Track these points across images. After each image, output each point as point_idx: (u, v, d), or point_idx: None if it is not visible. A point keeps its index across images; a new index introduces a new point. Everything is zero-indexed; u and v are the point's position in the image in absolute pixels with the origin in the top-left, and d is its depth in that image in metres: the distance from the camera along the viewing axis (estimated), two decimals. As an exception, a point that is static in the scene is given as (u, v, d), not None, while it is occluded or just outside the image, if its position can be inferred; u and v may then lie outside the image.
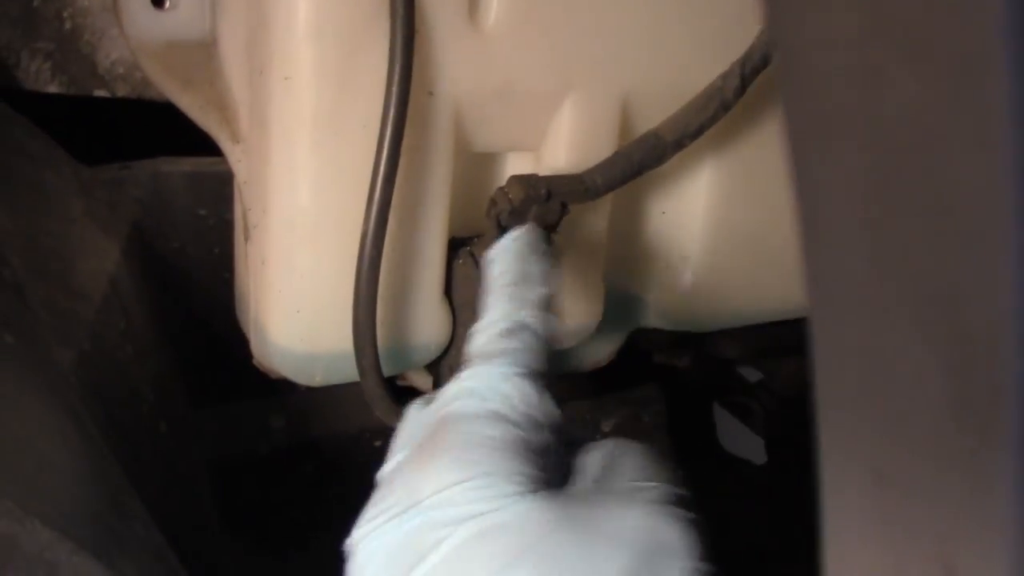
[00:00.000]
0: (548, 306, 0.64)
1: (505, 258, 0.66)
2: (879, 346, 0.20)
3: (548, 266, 0.66)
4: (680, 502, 0.57)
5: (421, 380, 0.84)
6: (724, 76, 0.74)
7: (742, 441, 1.38)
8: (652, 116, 0.76)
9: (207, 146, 0.86)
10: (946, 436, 0.18)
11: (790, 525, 1.23)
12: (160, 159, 0.86)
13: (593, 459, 0.61)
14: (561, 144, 0.75)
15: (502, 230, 0.72)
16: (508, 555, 0.51)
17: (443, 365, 0.78)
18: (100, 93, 0.83)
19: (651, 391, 1.21)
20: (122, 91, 0.83)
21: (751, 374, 1.52)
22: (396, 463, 0.59)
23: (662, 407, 1.20)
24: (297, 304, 0.72)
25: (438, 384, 0.81)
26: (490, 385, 0.57)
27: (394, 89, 0.64)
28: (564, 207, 0.72)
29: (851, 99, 0.20)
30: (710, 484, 1.24)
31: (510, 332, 0.61)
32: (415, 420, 0.62)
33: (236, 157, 0.76)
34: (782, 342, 1.31)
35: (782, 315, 0.94)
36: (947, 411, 0.18)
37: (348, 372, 0.73)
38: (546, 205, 0.71)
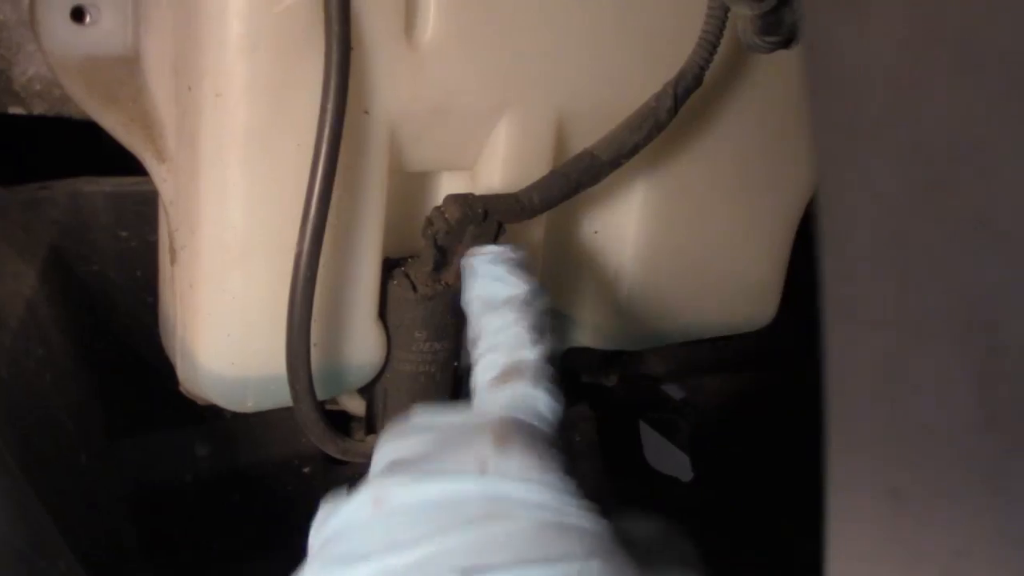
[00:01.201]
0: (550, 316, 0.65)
1: (506, 274, 0.66)
2: (903, 359, 0.20)
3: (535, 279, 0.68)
4: None
5: (354, 404, 0.82)
6: (657, 96, 0.74)
7: (667, 458, 1.39)
8: (586, 135, 0.76)
9: (128, 166, 0.83)
10: (972, 450, 0.18)
11: (718, 541, 1.24)
12: (80, 179, 0.83)
13: (643, 528, 0.60)
14: (496, 163, 0.74)
15: (439, 250, 0.71)
16: (578, 551, 0.48)
17: (377, 387, 0.77)
18: (15, 110, 0.80)
19: (582, 411, 1.20)
20: (39, 108, 0.80)
21: (675, 392, 1.54)
22: (430, 446, 0.55)
23: (593, 427, 1.20)
24: (227, 327, 0.70)
25: (372, 407, 0.79)
26: (533, 405, 0.58)
27: (329, 106, 0.63)
28: (500, 226, 0.72)
29: (891, 108, 0.20)
30: (638, 501, 1.25)
31: (532, 348, 0.61)
32: (426, 424, 0.58)
33: (162, 176, 0.74)
34: (706, 360, 1.33)
35: (713, 332, 0.95)
36: (975, 425, 0.18)
37: (281, 396, 0.71)
38: (483, 224, 0.71)
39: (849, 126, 0.22)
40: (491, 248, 0.70)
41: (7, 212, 0.79)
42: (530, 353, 0.61)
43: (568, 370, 1.27)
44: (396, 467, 0.54)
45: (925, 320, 0.20)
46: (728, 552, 1.22)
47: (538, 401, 0.58)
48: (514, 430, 0.55)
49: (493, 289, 0.66)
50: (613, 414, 1.30)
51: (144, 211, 0.83)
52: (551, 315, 0.68)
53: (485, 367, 0.62)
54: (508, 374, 0.60)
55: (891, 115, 0.20)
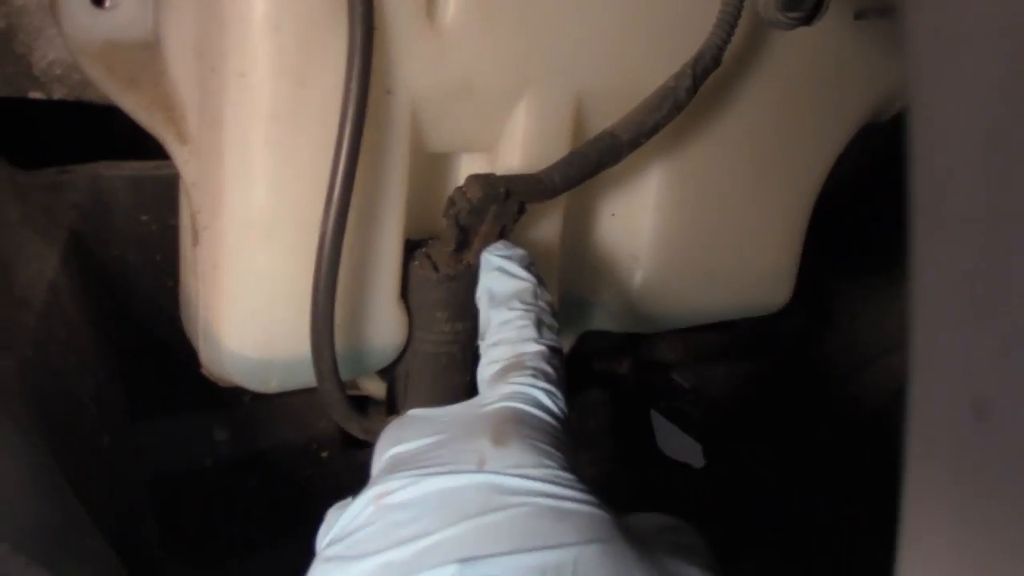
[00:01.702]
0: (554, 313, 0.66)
1: (512, 280, 0.67)
2: (997, 266, 0.20)
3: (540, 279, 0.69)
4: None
5: (374, 387, 0.83)
6: (676, 76, 0.75)
7: (680, 446, 1.40)
8: (605, 116, 0.76)
9: (148, 150, 0.84)
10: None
11: (732, 527, 1.25)
12: (100, 163, 0.83)
13: (648, 520, 0.61)
14: (516, 144, 0.75)
15: (460, 230, 0.71)
16: (576, 537, 0.49)
17: (399, 369, 0.77)
18: (36, 95, 0.80)
19: (596, 396, 1.21)
20: (59, 93, 0.80)
21: (686, 380, 1.54)
22: (429, 443, 0.56)
23: (607, 412, 1.21)
24: (251, 308, 0.70)
25: (393, 389, 0.79)
26: (534, 397, 0.58)
27: (353, 86, 0.64)
28: (521, 207, 0.72)
29: (989, 12, 0.20)
30: (650, 488, 1.25)
31: (536, 342, 0.62)
32: (426, 419, 0.59)
33: (184, 158, 0.74)
34: (716, 346, 1.33)
35: (727, 316, 0.96)
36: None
37: (304, 377, 0.72)
38: (504, 204, 0.71)
39: (945, 33, 0.22)
40: (503, 244, 0.71)
41: (29, 195, 0.79)
42: (533, 347, 0.62)
43: (581, 355, 1.27)
44: (397, 464, 0.55)
45: (1020, 226, 0.20)
46: (739, 539, 1.23)
47: (539, 393, 0.59)
48: (513, 423, 0.56)
49: (501, 283, 0.67)
50: (625, 402, 1.31)
51: (164, 195, 0.83)
52: (558, 308, 0.68)
53: (489, 361, 0.63)
54: (510, 368, 0.61)
55: (988, 19, 0.20)
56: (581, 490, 0.52)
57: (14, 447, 0.61)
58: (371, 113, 0.65)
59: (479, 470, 0.52)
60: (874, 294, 1.47)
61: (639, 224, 0.85)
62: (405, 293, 0.75)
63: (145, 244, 0.85)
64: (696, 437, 1.44)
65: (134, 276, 0.86)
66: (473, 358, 0.78)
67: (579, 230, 0.84)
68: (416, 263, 0.74)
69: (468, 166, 0.77)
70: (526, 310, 0.64)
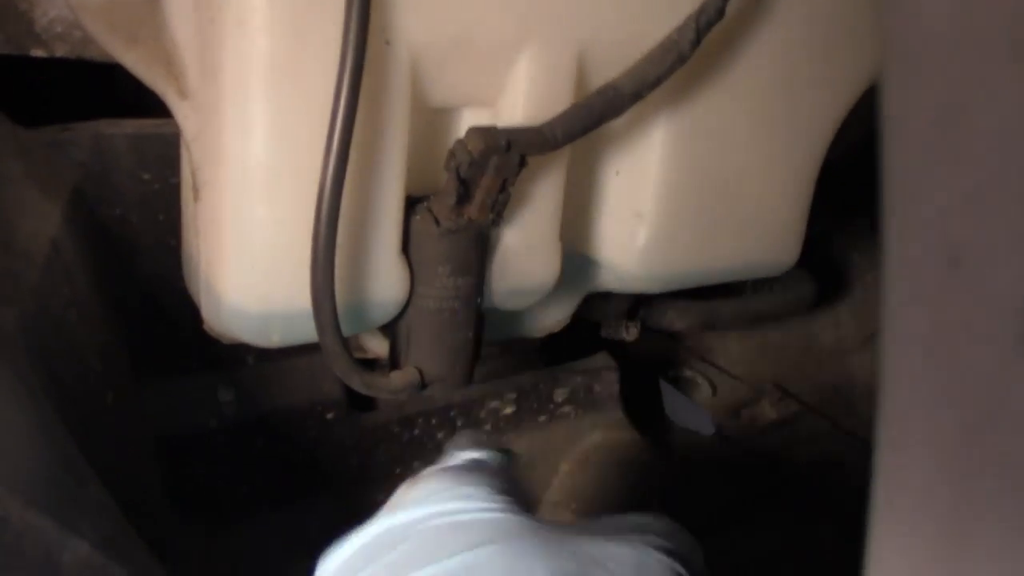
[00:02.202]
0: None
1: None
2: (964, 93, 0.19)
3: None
4: (671, 553, 0.57)
5: (377, 344, 0.83)
6: (679, 29, 0.74)
7: (688, 414, 1.39)
8: (607, 71, 0.75)
9: (150, 108, 0.84)
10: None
11: (740, 491, 1.24)
12: (102, 121, 0.83)
13: (621, 519, 0.62)
14: (518, 98, 0.74)
15: (461, 183, 0.71)
16: (471, 543, 0.51)
17: (400, 324, 0.77)
18: (37, 53, 0.80)
19: (603, 361, 1.20)
20: (61, 51, 0.80)
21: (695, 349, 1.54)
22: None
23: (614, 377, 1.20)
24: (252, 260, 0.70)
25: (396, 345, 0.79)
26: (463, 456, 0.62)
27: (351, 35, 0.63)
28: (522, 160, 0.72)
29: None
30: (663, 453, 1.25)
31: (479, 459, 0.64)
32: None
33: (184, 113, 0.74)
34: (725, 315, 1.32)
35: (736, 276, 0.95)
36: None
37: (306, 331, 0.71)
38: (505, 156, 0.70)
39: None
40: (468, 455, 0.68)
41: (31, 153, 0.79)
42: (472, 453, 0.64)
43: (587, 322, 1.27)
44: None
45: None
46: (748, 504, 1.23)
47: (469, 453, 0.62)
48: (429, 472, 0.59)
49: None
50: (633, 370, 1.30)
51: (166, 153, 0.83)
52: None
53: None
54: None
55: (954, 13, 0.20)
56: (486, 500, 0.54)
57: (14, 395, 0.61)
58: (370, 64, 0.65)
59: (390, 516, 0.55)
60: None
61: (643, 181, 0.84)
62: (407, 248, 0.74)
63: (147, 203, 0.85)
64: (706, 405, 1.43)
65: (136, 235, 0.86)
66: (476, 314, 0.78)
67: (582, 187, 0.84)
68: (417, 217, 0.73)
69: (470, 122, 0.76)
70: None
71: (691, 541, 0.61)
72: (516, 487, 0.60)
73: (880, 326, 0.24)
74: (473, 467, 0.60)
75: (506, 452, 0.68)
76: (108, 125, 0.83)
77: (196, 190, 0.74)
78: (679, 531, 0.60)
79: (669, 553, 0.56)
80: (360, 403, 1.03)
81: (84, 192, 0.82)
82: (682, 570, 0.57)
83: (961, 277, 0.20)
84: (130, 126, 0.83)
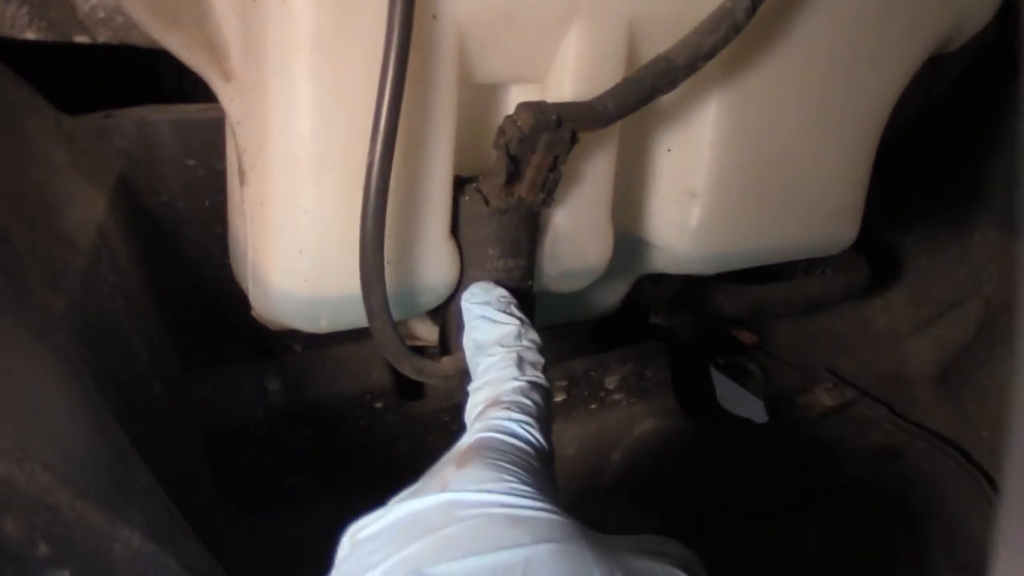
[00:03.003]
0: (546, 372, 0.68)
1: (495, 326, 0.70)
2: None
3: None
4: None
5: (426, 330, 0.81)
6: (733, -2, 0.72)
7: (741, 402, 1.37)
8: (658, 43, 0.73)
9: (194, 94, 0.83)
10: None
11: (794, 480, 1.21)
12: (146, 107, 0.82)
13: (633, 539, 0.63)
14: (567, 74, 0.72)
15: (511, 160, 0.69)
16: (529, 538, 0.52)
17: (450, 309, 0.76)
18: (80, 39, 0.79)
19: (653, 347, 1.18)
20: (103, 36, 0.79)
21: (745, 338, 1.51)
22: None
23: (665, 363, 1.18)
24: (300, 244, 0.69)
25: (445, 330, 0.78)
26: (505, 427, 0.61)
27: (397, 10, 0.61)
28: (574, 136, 0.70)
29: None
30: (715, 441, 1.22)
31: (515, 381, 0.65)
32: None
33: (228, 96, 0.73)
34: (776, 301, 1.29)
35: (791, 255, 0.92)
36: None
37: (355, 316, 0.70)
38: (556, 132, 0.68)
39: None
40: (480, 288, 0.73)
41: (75, 140, 0.78)
42: (512, 383, 0.65)
43: (638, 307, 1.25)
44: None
45: None
46: (801, 492, 1.20)
47: (511, 424, 0.61)
48: (477, 451, 0.59)
49: (483, 331, 0.70)
50: (684, 357, 1.28)
51: (211, 139, 0.82)
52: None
53: (472, 405, 0.65)
54: (489, 406, 0.64)
55: None
56: (540, 499, 0.55)
57: (62, 382, 0.60)
58: (416, 40, 0.63)
59: (441, 491, 0.55)
60: (942, 246, 1.42)
61: (696, 159, 0.82)
62: (456, 230, 0.73)
63: (193, 190, 0.84)
64: (758, 393, 1.41)
65: (183, 223, 0.85)
66: (528, 297, 0.76)
67: (634, 166, 0.82)
68: (467, 198, 0.72)
69: (518, 98, 0.74)
70: (507, 352, 0.67)
71: (702, 566, 0.62)
72: (550, 465, 0.62)
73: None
74: (517, 449, 0.60)
75: (535, 344, 0.69)
76: (152, 111, 0.82)
77: (242, 174, 0.73)
78: (693, 558, 0.62)
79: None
80: (409, 391, 1.01)
81: (129, 179, 0.82)
82: None
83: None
84: (174, 112, 0.82)
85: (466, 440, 0.61)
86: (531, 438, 0.61)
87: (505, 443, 0.60)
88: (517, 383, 0.65)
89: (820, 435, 1.30)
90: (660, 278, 1.00)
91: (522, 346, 0.68)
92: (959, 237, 1.39)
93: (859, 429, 1.33)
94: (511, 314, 0.70)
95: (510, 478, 0.56)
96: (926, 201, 1.41)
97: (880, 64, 0.86)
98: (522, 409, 0.63)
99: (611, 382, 1.15)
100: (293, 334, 0.93)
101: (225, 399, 0.92)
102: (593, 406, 1.14)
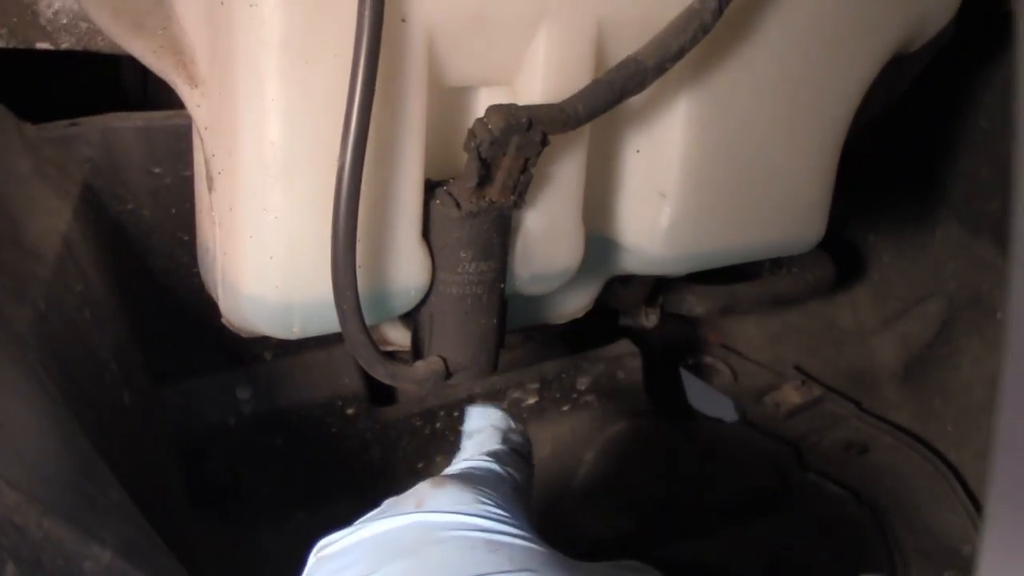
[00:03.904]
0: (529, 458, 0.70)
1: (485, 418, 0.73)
2: None
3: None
4: None
5: (399, 335, 0.81)
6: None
7: (710, 401, 1.37)
8: (627, 45, 0.73)
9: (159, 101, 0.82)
10: None
11: (764, 477, 1.22)
12: (110, 115, 0.81)
13: (609, 566, 0.64)
14: (537, 76, 0.72)
15: (482, 163, 0.69)
16: (508, 566, 0.51)
17: (423, 312, 0.75)
18: (43, 45, 0.78)
19: (625, 348, 1.18)
20: (66, 43, 0.78)
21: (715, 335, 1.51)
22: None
23: (637, 363, 1.18)
24: (270, 249, 0.68)
25: (418, 333, 0.77)
26: (481, 465, 0.63)
27: (367, 12, 0.61)
28: (544, 139, 0.70)
29: None
30: (687, 440, 1.23)
31: (499, 455, 0.66)
32: None
33: (196, 102, 0.72)
34: (744, 299, 1.30)
35: (760, 255, 0.93)
36: None
37: (327, 320, 0.69)
38: (526, 135, 0.68)
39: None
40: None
41: (39, 149, 0.77)
42: (493, 446, 0.66)
43: (607, 310, 1.25)
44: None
45: None
46: (774, 489, 1.21)
47: (491, 463, 0.62)
48: (454, 475, 0.59)
49: (475, 421, 0.73)
50: (653, 355, 1.28)
51: (177, 146, 0.81)
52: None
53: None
54: (467, 458, 0.65)
55: None
56: (516, 526, 0.55)
57: (28, 396, 0.59)
58: (386, 42, 0.63)
59: (416, 511, 0.54)
60: (904, 243, 1.44)
61: (666, 159, 0.82)
62: (427, 234, 0.72)
63: (159, 197, 0.83)
64: (727, 392, 1.41)
65: (150, 231, 0.84)
66: (499, 300, 0.76)
67: (604, 168, 0.82)
68: (438, 201, 0.71)
69: (488, 102, 0.73)
70: (495, 430, 0.70)
71: None
72: (529, 502, 0.62)
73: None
74: (497, 480, 0.60)
75: (522, 435, 0.71)
76: (117, 119, 0.81)
77: (211, 180, 0.72)
78: None
79: None
80: (381, 397, 1.01)
81: (94, 188, 0.80)
82: None
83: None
84: (139, 119, 0.81)
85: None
86: (507, 475, 0.61)
87: (484, 469, 0.60)
88: (499, 446, 0.67)
89: (789, 432, 1.31)
90: (629, 280, 1.01)
91: (508, 427, 0.71)
92: (921, 234, 1.40)
93: (827, 425, 1.34)
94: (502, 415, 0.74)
95: (487, 501, 0.56)
96: (888, 199, 1.43)
97: (845, 64, 0.87)
98: (498, 458, 0.64)
99: (583, 383, 1.15)
100: (264, 341, 0.93)
101: (196, 409, 0.91)
102: (566, 408, 1.14)
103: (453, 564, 0.51)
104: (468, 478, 0.59)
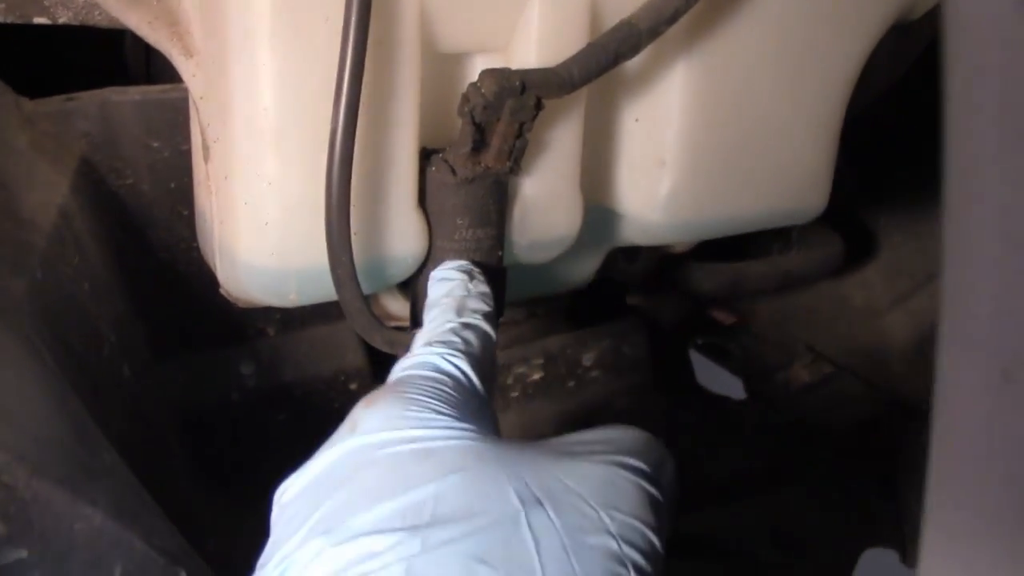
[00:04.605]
0: (491, 319, 0.66)
1: (447, 283, 0.68)
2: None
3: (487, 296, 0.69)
4: (637, 470, 0.57)
5: (397, 306, 0.81)
6: (697, -40, 0.71)
7: (719, 381, 1.37)
8: (621, 9, 0.73)
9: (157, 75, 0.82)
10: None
11: (773, 454, 1.22)
12: (108, 89, 0.81)
13: (572, 436, 0.62)
14: (531, 42, 0.72)
15: (476, 128, 0.68)
16: (436, 473, 0.50)
17: (420, 281, 0.75)
18: (40, 20, 0.78)
19: (631, 324, 1.18)
20: (63, 17, 0.78)
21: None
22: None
23: (642, 339, 1.18)
24: (265, 216, 0.68)
25: (415, 304, 0.77)
26: (430, 362, 0.60)
27: (357, -26, 0.61)
28: (538, 103, 0.69)
29: None
30: (694, 417, 1.22)
31: (454, 331, 0.63)
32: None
33: (191, 72, 0.72)
34: (753, 278, 1.29)
35: (762, 224, 0.92)
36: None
37: (324, 288, 0.69)
38: (520, 99, 0.68)
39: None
40: (450, 262, 0.72)
41: (36, 124, 0.77)
42: (445, 327, 0.63)
43: (615, 285, 1.24)
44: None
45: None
46: (782, 468, 1.20)
47: (432, 358, 0.60)
48: (389, 388, 0.57)
49: (435, 290, 0.69)
50: (661, 333, 1.28)
51: (174, 119, 0.81)
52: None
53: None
54: (416, 348, 0.62)
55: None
56: (453, 427, 0.53)
57: (21, 361, 0.59)
58: (377, 6, 0.63)
59: (351, 436, 0.53)
60: (915, 221, 1.43)
61: (664, 127, 0.81)
62: (423, 201, 0.72)
63: (158, 171, 0.83)
64: (738, 372, 1.41)
65: (148, 205, 0.84)
66: (497, 267, 0.76)
67: (602, 136, 0.81)
68: (433, 168, 0.71)
69: (482, 67, 0.73)
70: (451, 300, 0.66)
71: (661, 453, 0.61)
72: (477, 398, 0.59)
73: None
74: (435, 378, 0.58)
75: (482, 296, 0.67)
76: (114, 93, 0.81)
77: (206, 149, 0.72)
78: (648, 444, 0.60)
79: (635, 470, 0.57)
80: (383, 372, 1.01)
81: (92, 162, 0.81)
82: (649, 487, 0.57)
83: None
84: (137, 93, 0.81)
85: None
86: (452, 369, 0.59)
87: (421, 376, 0.58)
88: (450, 324, 0.63)
89: (799, 410, 1.30)
90: (634, 255, 1.00)
91: (467, 294, 0.67)
92: (932, 213, 1.39)
93: (838, 403, 1.33)
94: (464, 270, 0.69)
95: (418, 410, 0.54)
96: (899, 177, 1.42)
97: (844, 28, 0.86)
98: (448, 345, 0.61)
99: (588, 359, 1.14)
100: (267, 316, 0.93)
101: (198, 384, 0.91)
102: (571, 383, 1.14)
103: (382, 483, 0.50)
104: (401, 385, 0.57)
